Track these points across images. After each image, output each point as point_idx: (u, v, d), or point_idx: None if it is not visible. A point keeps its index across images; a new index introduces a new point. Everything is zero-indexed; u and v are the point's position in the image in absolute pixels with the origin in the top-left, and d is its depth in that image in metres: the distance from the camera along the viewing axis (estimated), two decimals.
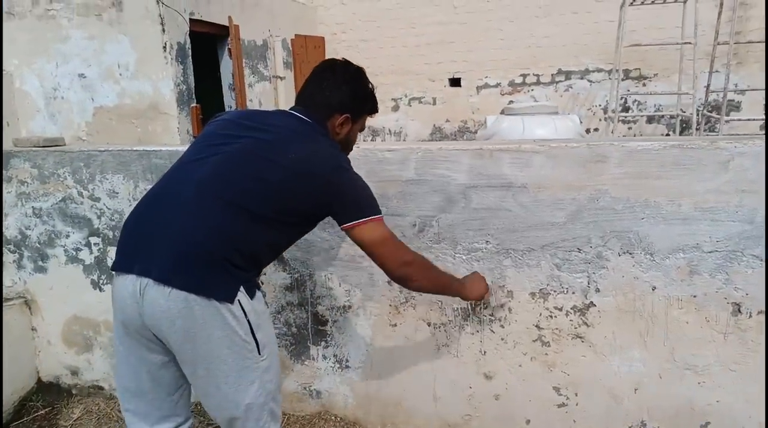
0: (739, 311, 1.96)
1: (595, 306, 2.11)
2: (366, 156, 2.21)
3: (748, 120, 5.77)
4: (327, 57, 7.99)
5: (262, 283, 2.03)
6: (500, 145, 2.08)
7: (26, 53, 4.42)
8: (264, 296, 1.70)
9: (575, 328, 2.14)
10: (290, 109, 1.76)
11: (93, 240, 2.60)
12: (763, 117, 6.24)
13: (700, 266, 1.95)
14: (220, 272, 1.48)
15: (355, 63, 1.84)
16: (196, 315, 1.45)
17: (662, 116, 6.91)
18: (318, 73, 1.77)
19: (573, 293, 2.12)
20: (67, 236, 2.62)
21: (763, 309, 1.93)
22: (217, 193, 1.52)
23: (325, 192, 1.58)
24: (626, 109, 6.86)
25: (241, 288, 1.52)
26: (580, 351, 2.16)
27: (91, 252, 2.62)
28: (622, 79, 5.96)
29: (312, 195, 1.58)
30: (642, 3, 5.80)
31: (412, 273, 1.70)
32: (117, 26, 4.35)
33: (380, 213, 1.66)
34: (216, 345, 1.49)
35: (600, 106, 7.22)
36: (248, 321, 1.54)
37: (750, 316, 1.95)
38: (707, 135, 6.43)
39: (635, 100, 7.01)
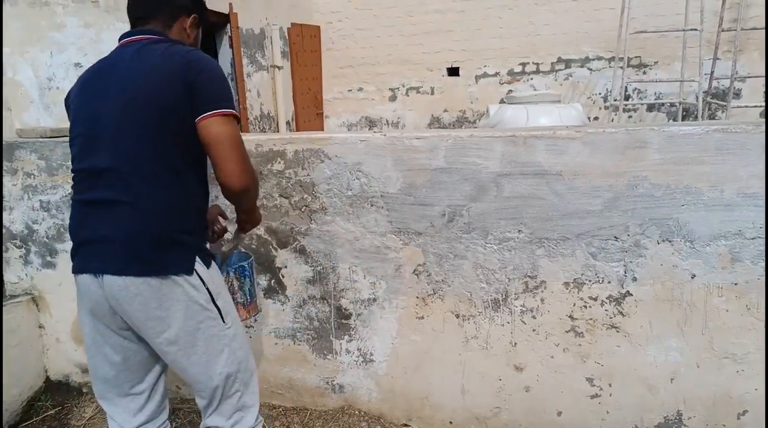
0: None
1: (631, 295, 2.06)
2: (393, 144, 2.14)
3: (750, 106, 5.78)
4: (323, 45, 7.88)
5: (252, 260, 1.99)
6: (534, 132, 2.02)
7: (18, 42, 4.25)
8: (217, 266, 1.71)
9: (610, 318, 2.10)
10: (122, 36, 1.61)
11: None
12: (764, 104, 6.25)
13: (742, 253, 1.92)
14: (172, 247, 1.50)
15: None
16: (155, 292, 1.48)
17: (663, 104, 6.90)
18: None
19: (609, 282, 2.07)
20: None
21: None
22: (125, 165, 1.48)
23: (186, 85, 1.46)
24: (627, 98, 6.83)
25: (197, 259, 1.55)
26: (615, 342, 2.11)
27: None
28: (623, 68, 5.91)
29: (180, 96, 1.46)
30: None
31: (251, 184, 1.55)
32: (115, 13, 4.19)
33: (235, 109, 1.54)
34: (180, 317, 1.52)
35: (600, 94, 7.18)
36: (208, 289, 1.57)
37: None
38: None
39: (635, 89, 6.99)
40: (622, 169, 1.96)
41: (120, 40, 1.62)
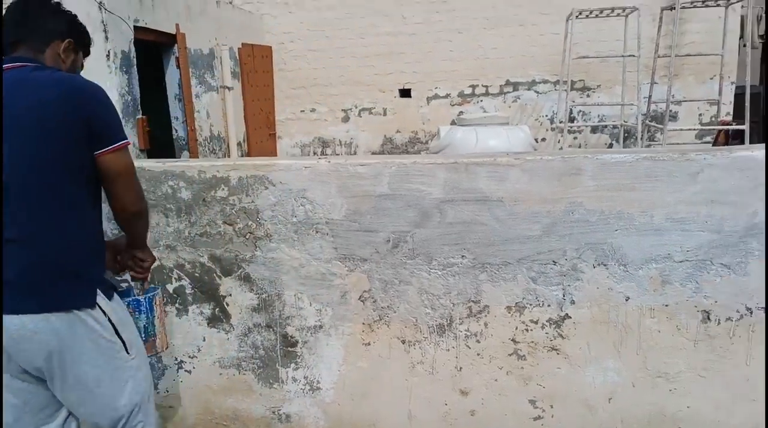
0: (708, 318, 2.01)
1: (570, 318, 2.12)
2: (338, 170, 2.15)
3: (685, 129, 6.10)
4: (275, 66, 7.87)
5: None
6: (476, 159, 2.07)
7: None
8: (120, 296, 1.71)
9: (551, 341, 2.15)
10: None
11: None
12: (698, 127, 6.62)
13: (671, 276, 2.00)
14: (72, 281, 1.49)
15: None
16: (57, 330, 1.46)
17: (605, 126, 7.19)
18: (19, 3, 1.60)
19: (548, 306, 2.12)
20: None
21: (731, 315, 1.99)
22: (16, 201, 1.44)
23: (79, 115, 1.45)
24: (572, 120, 7.09)
25: (99, 291, 1.55)
26: (556, 363, 2.16)
27: None
28: (568, 90, 6.15)
29: (72, 124, 1.45)
30: (586, 16, 6.02)
31: (143, 210, 1.66)
32: None
33: (126, 136, 1.58)
34: (84, 352, 1.52)
35: (547, 116, 7.43)
36: (111, 322, 1.57)
37: (719, 323, 2.01)
38: (649, 144, 6.72)
39: (580, 111, 7.26)
40: (559, 195, 2.02)
41: None
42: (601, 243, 2.03)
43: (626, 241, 2.01)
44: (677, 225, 1.96)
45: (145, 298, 1.87)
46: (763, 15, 7.05)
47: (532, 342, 2.16)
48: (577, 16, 5.93)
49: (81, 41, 1.72)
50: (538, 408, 2.21)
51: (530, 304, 2.13)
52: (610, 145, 7.32)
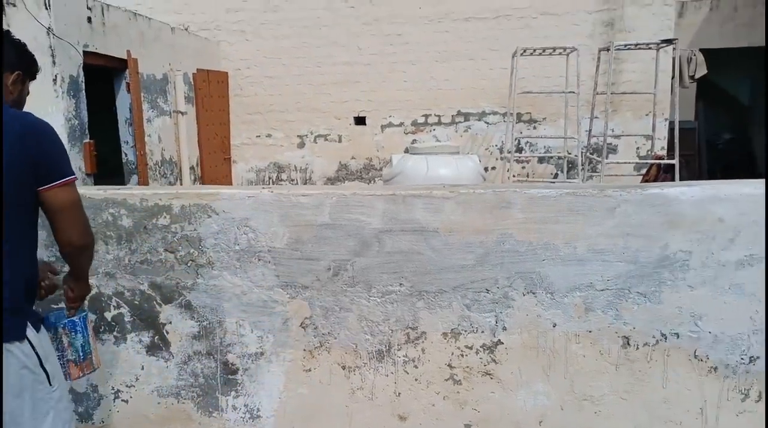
0: (628, 344, 2.14)
1: (502, 343, 2.21)
2: (280, 200, 2.20)
3: (621, 162, 6.43)
4: (231, 91, 7.90)
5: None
6: (413, 191, 2.16)
7: None
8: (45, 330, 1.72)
9: (485, 365, 2.23)
10: None
11: None
12: (635, 160, 6.97)
13: (593, 303, 2.13)
14: (6, 314, 1.52)
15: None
16: None
17: (551, 157, 7.49)
18: None
19: (482, 332, 2.21)
20: None
21: (648, 341, 2.13)
22: None
23: (29, 153, 1.50)
24: (519, 150, 7.37)
25: (28, 324, 1.59)
26: (490, 388, 2.24)
27: None
28: (516, 122, 6.40)
29: (21, 163, 1.49)
30: (531, 54, 6.32)
31: (89, 244, 1.69)
32: None
33: (74, 172, 1.63)
34: (8, 382, 1.53)
35: (496, 146, 7.69)
36: (36, 353, 1.60)
37: (637, 348, 2.14)
38: (591, 175, 7.04)
39: (527, 142, 7.55)
40: (491, 226, 2.13)
41: None
42: (530, 272, 2.15)
43: (552, 270, 2.13)
44: (598, 255, 2.09)
45: (79, 318, 1.89)
46: (693, 57, 7.58)
47: (467, 367, 2.24)
48: (521, 54, 6.22)
49: (29, 71, 1.76)
50: None
51: (465, 330, 2.22)
52: (556, 175, 7.63)
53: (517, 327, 2.19)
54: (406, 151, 6.37)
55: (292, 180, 8.27)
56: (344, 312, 2.25)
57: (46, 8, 4.15)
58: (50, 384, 1.64)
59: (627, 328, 2.12)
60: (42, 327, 1.67)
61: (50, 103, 4.22)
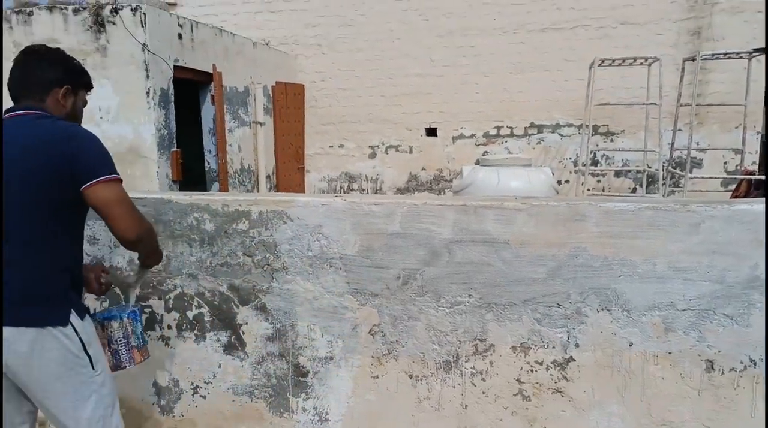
0: (712, 368, 2.02)
1: (574, 361, 2.15)
2: (353, 208, 2.25)
3: (707, 177, 6.08)
4: (306, 103, 8.16)
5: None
6: (484, 202, 2.16)
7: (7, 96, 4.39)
8: (91, 318, 1.86)
9: (555, 382, 2.18)
10: (7, 111, 1.80)
11: None
12: (723, 175, 6.57)
13: (674, 323, 2.03)
14: (48, 302, 1.67)
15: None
16: (29, 341, 1.62)
17: (629, 171, 7.20)
18: (23, 60, 1.81)
19: (553, 347, 2.16)
20: None
21: (735, 366, 2.00)
22: (8, 232, 1.64)
23: (67, 161, 1.64)
24: (595, 163, 7.13)
25: (72, 311, 1.72)
26: (560, 406, 2.18)
27: None
28: (591, 135, 6.21)
29: (61, 170, 1.64)
30: (610, 64, 6.13)
31: (144, 236, 1.77)
32: (101, 71, 4.39)
33: (118, 174, 1.73)
34: (52, 364, 1.66)
35: (570, 159, 7.49)
36: (80, 338, 1.72)
37: (723, 373, 2.01)
38: (672, 190, 6.70)
39: (604, 155, 7.30)
40: (564, 239, 2.09)
41: (5, 113, 1.78)
42: (604, 288, 2.08)
43: (629, 287, 2.05)
44: (679, 273, 1.99)
45: (138, 309, 2.06)
46: None
47: (537, 383, 2.20)
48: (599, 65, 6.04)
49: (78, 83, 1.89)
50: None
51: (535, 345, 2.18)
52: (634, 190, 7.31)
53: (590, 345, 2.12)
54: (477, 162, 6.32)
55: (363, 190, 8.41)
56: (412, 321, 2.27)
57: (142, 26, 4.48)
58: (93, 369, 1.76)
59: (711, 351, 2.01)
60: (87, 316, 1.80)
61: (143, 114, 4.53)
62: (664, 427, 2.09)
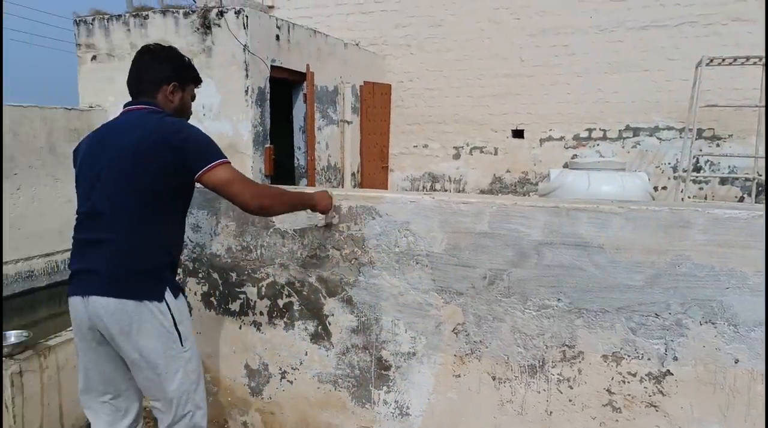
0: None
1: (672, 374, 2.03)
2: (441, 207, 2.26)
3: None
4: (392, 103, 8.25)
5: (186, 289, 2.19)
6: (578, 204, 2.09)
7: (122, 92, 4.76)
8: (186, 299, 2.01)
9: (650, 396, 2.07)
10: (125, 105, 1.97)
11: None
12: None
13: None
14: (147, 278, 1.82)
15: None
16: (129, 312, 1.78)
17: (736, 178, 6.69)
18: (138, 59, 1.99)
19: (649, 359, 2.06)
20: None
21: None
22: (114, 212, 1.80)
23: (173, 153, 1.79)
24: (698, 169, 6.69)
25: (167, 289, 1.86)
26: (654, 420, 2.08)
27: None
28: (695, 139, 5.82)
29: (166, 160, 1.79)
30: (719, 64, 5.73)
31: (266, 202, 1.90)
32: (205, 70, 4.68)
33: (226, 157, 1.85)
34: (146, 335, 1.80)
35: (669, 164, 7.07)
36: (172, 316, 1.85)
37: None
38: None
39: (708, 160, 6.83)
40: (665, 247, 1.98)
41: (124, 107, 1.97)
42: (709, 300, 1.95)
43: (738, 300, 1.92)
44: None
45: None
46: None
47: (629, 395, 2.10)
48: (708, 63, 5.65)
49: (185, 79, 2.04)
50: None
51: (628, 355, 2.08)
52: (741, 199, 6.78)
53: (690, 359, 2.00)
54: (565, 165, 6.12)
55: (445, 190, 8.39)
56: (497, 322, 2.24)
57: (244, 28, 4.73)
58: (182, 345, 1.89)
59: None
60: (181, 295, 1.93)
61: (241, 111, 4.78)
62: None
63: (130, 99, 2.00)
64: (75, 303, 1.85)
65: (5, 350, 2.50)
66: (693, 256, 1.95)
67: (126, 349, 1.82)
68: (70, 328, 2.84)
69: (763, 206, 2.00)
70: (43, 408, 2.59)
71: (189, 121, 2.06)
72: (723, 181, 6.87)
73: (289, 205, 2.09)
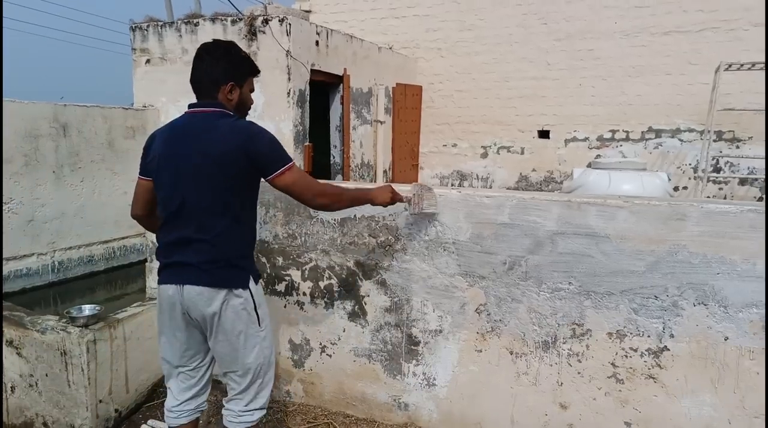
0: None
1: (668, 350, 2.30)
2: (466, 200, 2.55)
3: None
4: (423, 104, 8.53)
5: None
6: (587, 199, 2.36)
7: (173, 92, 5.16)
8: (263, 285, 2.20)
9: (649, 369, 2.34)
10: (190, 106, 2.08)
11: None
12: None
13: None
14: (232, 269, 2.03)
15: (226, 44, 2.14)
16: (218, 298, 2.00)
17: (756, 179, 6.79)
18: (198, 59, 2.07)
19: (648, 336, 2.32)
20: None
21: None
22: (202, 212, 1.99)
23: (250, 157, 1.95)
24: (717, 170, 6.81)
25: (250, 277, 2.07)
26: (653, 391, 2.34)
27: None
28: (715, 141, 5.97)
29: (244, 163, 1.96)
30: (738, 68, 5.86)
31: (327, 201, 2.11)
32: None
33: (292, 160, 2.02)
34: (231, 317, 2.03)
35: (690, 165, 7.19)
36: (254, 300, 2.07)
37: None
38: None
39: (728, 162, 6.95)
40: (664, 237, 2.24)
41: (189, 107, 2.08)
42: (702, 284, 2.21)
43: (728, 285, 2.17)
44: None
45: None
46: None
47: (631, 368, 2.37)
48: (727, 68, 5.80)
49: (242, 76, 2.11)
50: None
51: (630, 333, 2.35)
52: (760, 198, 6.88)
53: (685, 336, 2.26)
54: (589, 165, 6.31)
55: (474, 188, 8.63)
56: (515, 303, 2.52)
57: (287, 35, 5.06)
58: (259, 326, 2.11)
59: None
60: (260, 281, 2.19)
61: (284, 112, 5.12)
62: (756, 419, 2.18)
63: (180, 99, 2.19)
64: (168, 290, 2.05)
65: (82, 321, 2.84)
66: (688, 245, 2.21)
67: (214, 329, 2.04)
68: (136, 304, 3.23)
69: (750, 203, 2.25)
70: (112, 374, 2.89)
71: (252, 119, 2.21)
72: (742, 182, 6.97)
73: (348, 201, 2.23)
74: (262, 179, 2.06)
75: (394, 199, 2.37)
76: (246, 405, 2.16)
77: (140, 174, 2.15)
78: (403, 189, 2.51)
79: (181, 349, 2.17)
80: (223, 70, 2.05)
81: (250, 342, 2.09)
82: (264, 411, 2.23)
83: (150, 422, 2.95)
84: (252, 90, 2.21)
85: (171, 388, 2.25)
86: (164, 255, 2.09)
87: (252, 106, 2.25)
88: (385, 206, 2.41)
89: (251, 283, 2.08)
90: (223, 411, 2.21)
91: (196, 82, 2.09)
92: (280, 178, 2.00)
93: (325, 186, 2.15)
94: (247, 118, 2.17)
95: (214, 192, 1.97)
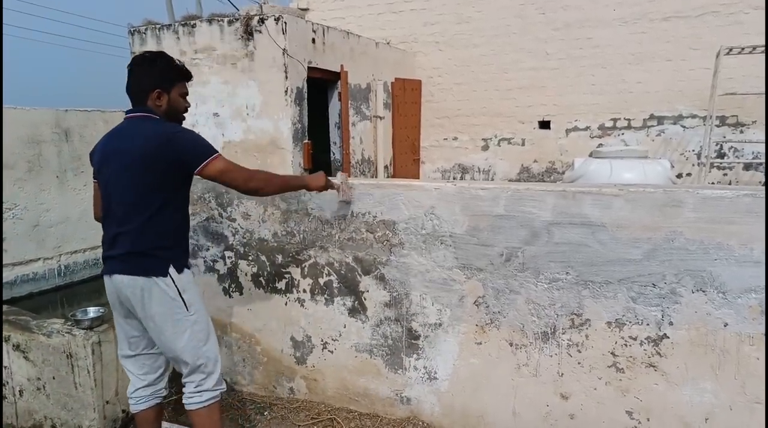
0: None
1: (668, 338, 2.29)
2: (462, 193, 2.55)
3: None
4: (422, 98, 8.51)
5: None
6: (582, 188, 2.36)
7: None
8: (191, 272, 2.32)
9: (649, 357, 2.33)
10: (126, 112, 2.25)
11: (227, 253, 3.11)
12: None
13: None
14: (152, 259, 2.16)
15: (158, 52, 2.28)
16: (140, 286, 2.15)
17: (760, 164, 6.73)
18: (129, 72, 2.23)
19: (647, 324, 2.32)
20: (207, 249, 3.15)
21: None
22: (124, 208, 2.15)
23: (170, 156, 2.09)
24: (721, 156, 6.76)
25: (171, 266, 2.19)
26: (653, 379, 2.34)
27: (225, 264, 3.13)
28: (718, 126, 5.91)
29: (165, 163, 2.10)
30: (739, 53, 5.81)
31: (257, 185, 2.23)
32: (248, 73, 5.05)
33: (218, 151, 2.16)
34: (155, 304, 2.17)
35: (694, 151, 7.14)
36: (176, 286, 2.19)
37: None
38: None
39: (731, 147, 6.89)
40: (660, 224, 2.24)
41: (126, 114, 2.25)
42: (700, 271, 2.20)
43: (725, 270, 2.16)
44: None
45: None
46: None
47: (631, 356, 2.36)
48: (728, 52, 5.75)
49: (169, 83, 2.24)
50: (635, 419, 2.39)
51: (629, 322, 2.34)
52: (765, 184, 6.83)
53: (684, 323, 2.26)
54: (591, 154, 6.27)
55: (470, 181, 8.60)
56: (513, 295, 2.52)
57: (283, 33, 5.07)
58: (187, 310, 2.22)
59: None
60: (186, 270, 2.26)
61: (281, 110, 5.13)
62: (757, 404, 2.17)
63: None
64: (107, 282, 2.25)
65: (86, 323, 2.88)
66: (685, 232, 2.20)
67: (142, 315, 2.19)
68: None
69: (745, 187, 2.23)
70: (118, 374, 2.92)
71: (183, 124, 2.34)
72: (747, 167, 6.92)
73: (280, 186, 2.37)
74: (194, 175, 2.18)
75: (327, 185, 2.53)
76: (195, 387, 2.30)
77: (93, 177, 2.34)
78: (331, 178, 2.64)
79: (127, 336, 2.34)
80: (149, 78, 2.20)
81: (180, 327, 2.21)
82: (215, 392, 2.34)
83: None
84: (185, 94, 2.34)
85: (129, 369, 2.41)
86: (103, 250, 2.26)
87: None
88: (319, 191, 2.55)
89: (172, 271, 2.19)
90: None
91: (128, 90, 2.24)
92: (206, 169, 2.14)
93: (255, 171, 2.27)
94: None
95: (136, 190, 2.13)
